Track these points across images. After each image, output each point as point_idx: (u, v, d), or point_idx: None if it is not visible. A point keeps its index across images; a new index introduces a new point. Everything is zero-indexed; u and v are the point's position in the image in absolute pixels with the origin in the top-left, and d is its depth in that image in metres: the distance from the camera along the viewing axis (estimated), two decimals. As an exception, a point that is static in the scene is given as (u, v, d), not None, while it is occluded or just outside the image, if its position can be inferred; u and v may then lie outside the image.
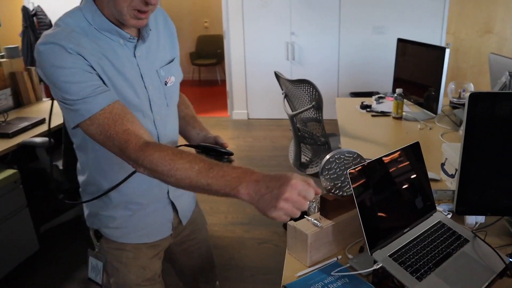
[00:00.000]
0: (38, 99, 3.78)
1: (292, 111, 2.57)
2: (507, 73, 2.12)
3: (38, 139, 2.58)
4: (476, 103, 1.10)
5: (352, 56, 5.23)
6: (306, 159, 2.58)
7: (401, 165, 1.15)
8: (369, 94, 5.09)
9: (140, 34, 1.09)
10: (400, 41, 2.82)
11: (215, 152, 1.13)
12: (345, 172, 1.13)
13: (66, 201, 1.32)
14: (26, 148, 2.60)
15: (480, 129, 1.11)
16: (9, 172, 2.53)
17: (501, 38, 5.07)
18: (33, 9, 5.61)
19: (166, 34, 1.21)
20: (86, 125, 0.97)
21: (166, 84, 1.17)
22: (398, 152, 1.15)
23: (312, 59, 5.32)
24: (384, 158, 1.11)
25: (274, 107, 5.23)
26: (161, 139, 1.18)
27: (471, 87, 2.77)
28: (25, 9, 5.52)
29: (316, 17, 5.15)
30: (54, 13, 5.72)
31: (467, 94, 2.69)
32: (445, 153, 1.62)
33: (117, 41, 1.04)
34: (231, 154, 1.14)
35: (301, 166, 2.58)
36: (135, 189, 1.17)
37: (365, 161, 1.14)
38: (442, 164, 1.63)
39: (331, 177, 1.13)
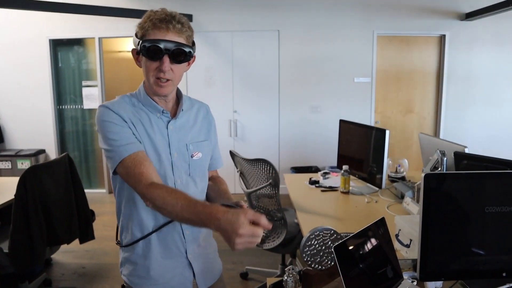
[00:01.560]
0: (-27, 177, 3.58)
1: (248, 188, 2.67)
2: (438, 151, 2.41)
3: (-18, 222, 2.43)
4: (429, 181, 1.28)
5: (291, 133, 5.56)
6: (262, 235, 2.64)
7: (373, 239, 1.28)
8: (308, 169, 5.39)
9: (175, 114, 1.39)
10: (342, 122, 3.10)
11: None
12: (323, 247, 1.23)
13: None
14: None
15: (434, 203, 1.29)
16: None
17: (421, 117, 5.70)
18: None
19: (205, 122, 1.51)
20: (118, 168, 1.25)
21: (192, 157, 1.41)
22: (368, 228, 1.28)
23: (254, 136, 5.58)
24: (359, 233, 1.23)
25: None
26: None
27: (406, 163, 3.08)
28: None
29: (257, 96, 5.50)
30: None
31: (402, 169, 2.95)
32: (398, 224, 1.79)
33: (155, 114, 1.35)
34: None
35: (258, 241, 2.64)
36: (156, 243, 1.36)
37: (340, 237, 1.26)
38: (397, 235, 1.80)
39: (311, 252, 1.23)
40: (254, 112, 5.54)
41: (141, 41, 1.25)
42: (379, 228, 1.33)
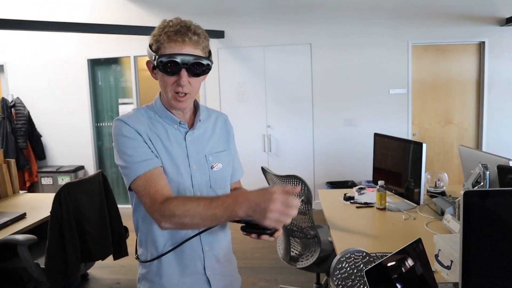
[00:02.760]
0: (15, 192, 3.71)
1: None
2: (480, 165, 2.29)
3: (21, 237, 2.48)
4: (469, 199, 1.19)
5: (326, 146, 5.47)
6: (295, 253, 2.58)
7: (409, 261, 1.20)
8: (344, 184, 5.27)
9: (193, 125, 1.36)
10: (377, 135, 3.01)
11: (257, 228, 1.10)
12: (355, 270, 1.17)
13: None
14: (2, 246, 2.49)
15: (476, 222, 1.19)
16: (-14, 274, 2.40)
17: (461, 128, 5.47)
18: (12, 101, 5.69)
19: (223, 132, 1.47)
20: (132, 184, 1.23)
21: (212, 168, 1.37)
22: (404, 249, 1.20)
23: (288, 150, 5.52)
24: (393, 256, 1.16)
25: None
26: None
27: (445, 177, 2.93)
28: (4, 101, 5.60)
29: (291, 110, 5.45)
30: (32, 105, 5.81)
31: (442, 183, 2.82)
32: (437, 244, 1.68)
33: (172, 126, 1.33)
34: (271, 229, 1.11)
35: (291, 260, 2.58)
36: (173, 261, 1.31)
37: (373, 259, 1.19)
38: (436, 256, 1.69)
39: (342, 276, 1.16)
40: (288, 127, 5.49)
41: (157, 56, 1.21)
42: (416, 249, 1.25)
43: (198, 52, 1.23)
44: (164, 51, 1.21)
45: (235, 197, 1.08)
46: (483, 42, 5.17)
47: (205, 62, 1.24)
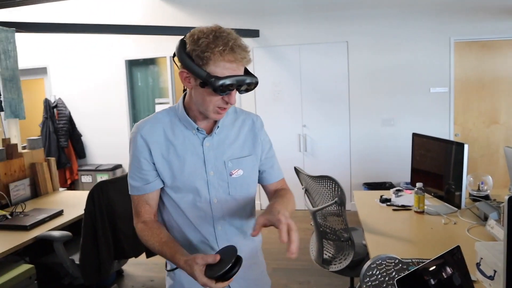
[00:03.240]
0: (54, 189, 3.82)
1: (313, 206, 2.55)
2: (528, 168, 2.13)
3: (57, 233, 2.55)
4: (515, 206, 1.09)
5: (363, 147, 5.33)
6: (328, 256, 2.51)
7: (445, 270, 1.11)
8: (382, 185, 5.11)
9: (212, 130, 1.33)
10: (415, 135, 2.88)
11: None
12: (387, 278, 1.10)
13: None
14: (41, 241, 2.56)
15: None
16: (25, 267, 2.47)
17: (508, 128, 5.19)
18: (54, 101, 5.89)
19: (250, 135, 1.40)
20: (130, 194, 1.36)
21: (231, 175, 1.33)
22: (441, 257, 1.12)
23: (324, 150, 5.42)
24: (428, 264, 1.08)
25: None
26: (216, 220, 1.33)
27: (490, 180, 2.77)
28: (47, 101, 5.82)
29: (327, 110, 5.34)
30: (73, 105, 5.99)
31: (485, 187, 2.68)
32: (479, 252, 1.57)
33: (191, 131, 1.31)
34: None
35: (324, 263, 2.50)
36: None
37: (406, 266, 1.11)
38: (478, 264, 1.58)
39: (373, 284, 1.09)
40: (324, 126, 5.39)
41: (213, 78, 1.14)
42: (454, 257, 1.16)
43: (245, 69, 1.23)
44: (216, 70, 1.15)
45: (172, 257, 1.20)
46: (533, 38, 4.88)
47: (255, 80, 1.21)
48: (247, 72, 1.23)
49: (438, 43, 5.00)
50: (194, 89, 1.24)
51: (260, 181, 1.47)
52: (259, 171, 1.45)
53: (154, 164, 1.30)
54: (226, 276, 1.05)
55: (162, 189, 1.34)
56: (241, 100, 5.48)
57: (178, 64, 1.24)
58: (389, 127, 5.23)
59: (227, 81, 1.14)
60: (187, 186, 1.30)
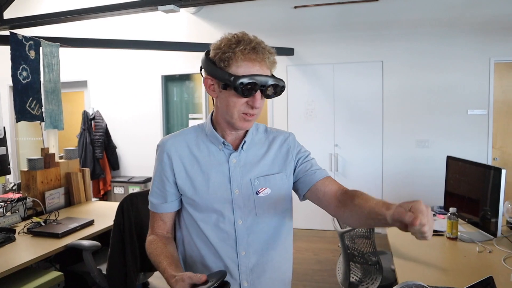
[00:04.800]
0: (87, 199, 3.91)
1: (341, 228, 2.50)
2: None
3: (86, 242, 2.60)
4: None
5: (396, 169, 5.20)
6: (355, 279, 2.44)
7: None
8: (415, 208, 4.96)
9: (239, 147, 1.27)
10: (450, 158, 2.80)
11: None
12: (413, 306, 1.05)
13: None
14: (71, 249, 2.62)
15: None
16: (54, 274, 2.53)
17: (550, 153, 4.95)
18: (92, 114, 6.09)
19: (280, 153, 1.33)
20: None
21: (257, 194, 1.25)
22: (472, 287, 1.07)
23: (356, 171, 5.33)
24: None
25: (315, 217, 5.13)
26: (240, 244, 1.24)
27: (529, 207, 2.64)
28: (85, 113, 6.02)
29: (360, 130, 5.27)
30: (110, 118, 6.17)
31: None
32: (515, 284, 1.50)
33: (217, 146, 1.27)
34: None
35: (350, 286, 2.44)
36: None
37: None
38: (513, 297, 1.50)
39: (398, 311, 1.05)
40: (356, 146, 5.31)
41: (234, 77, 1.12)
42: (487, 287, 1.10)
43: (271, 72, 1.19)
44: (238, 70, 1.13)
45: (168, 267, 1.15)
46: None
47: (281, 84, 1.17)
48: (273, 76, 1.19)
49: (477, 64, 4.86)
50: (219, 97, 1.20)
51: (306, 187, 1.30)
52: (299, 179, 1.32)
53: (176, 183, 1.27)
54: None
55: (183, 207, 1.30)
56: (274, 117, 5.49)
57: (204, 74, 1.24)
58: (424, 149, 5.09)
59: (246, 79, 1.11)
60: (210, 205, 1.23)
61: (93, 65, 6.28)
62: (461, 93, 4.92)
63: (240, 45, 1.13)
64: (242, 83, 1.11)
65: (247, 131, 1.30)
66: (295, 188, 1.35)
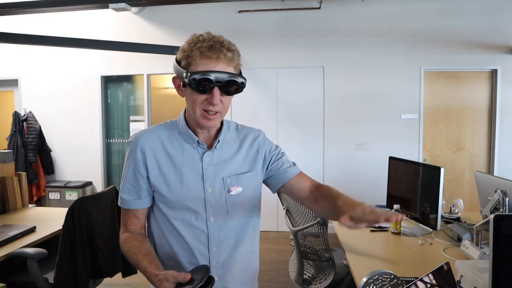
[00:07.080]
0: (24, 205, 3.69)
1: (294, 226, 2.59)
2: (499, 191, 2.26)
3: (31, 250, 2.45)
4: (500, 224, 1.16)
5: (337, 171, 5.43)
6: (308, 275, 2.53)
7: (437, 285, 1.17)
8: (354, 207, 5.20)
9: (212, 145, 1.29)
10: (392, 159, 2.99)
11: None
12: (382, 293, 1.14)
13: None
14: (12, 258, 2.47)
15: (506, 247, 1.17)
16: (-4, 286, 2.37)
17: (472, 155, 5.43)
18: (24, 115, 5.73)
19: (251, 151, 1.36)
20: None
21: (229, 192, 1.27)
22: (432, 273, 1.18)
23: (298, 172, 5.47)
24: (423, 279, 1.13)
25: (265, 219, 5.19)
26: (212, 240, 1.27)
27: (461, 203, 2.90)
28: (16, 114, 5.65)
29: (302, 132, 5.45)
30: (44, 120, 5.85)
31: (457, 210, 2.78)
32: (459, 270, 1.65)
33: (191, 144, 1.28)
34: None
35: (304, 283, 2.53)
36: None
37: (401, 282, 1.16)
38: (458, 282, 1.65)
39: (369, 298, 1.13)
40: (298, 149, 5.47)
41: (189, 74, 1.15)
42: (443, 273, 1.22)
43: (231, 69, 1.18)
44: (196, 68, 1.16)
45: (148, 277, 1.15)
46: (496, 70, 5.18)
47: (239, 80, 1.18)
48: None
49: (410, 72, 5.23)
50: (185, 96, 1.24)
51: (279, 183, 1.37)
52: (272, 176, 1.38)
53: (148, 179, 1.26)
54: None
55: (154, 203, 1.29)
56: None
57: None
58: (362, 151, 5.37)
59: (198, 76, 1.13)
60: (183, 202, 1.24)
61: (25, 62, 5.91)
62: (395, 98, 5.27)
63: (198, 43, 1.17)
64: (194, 79, 1.14)
65: (220, 130, 1.32)
66: (268, 183, 1.41)
